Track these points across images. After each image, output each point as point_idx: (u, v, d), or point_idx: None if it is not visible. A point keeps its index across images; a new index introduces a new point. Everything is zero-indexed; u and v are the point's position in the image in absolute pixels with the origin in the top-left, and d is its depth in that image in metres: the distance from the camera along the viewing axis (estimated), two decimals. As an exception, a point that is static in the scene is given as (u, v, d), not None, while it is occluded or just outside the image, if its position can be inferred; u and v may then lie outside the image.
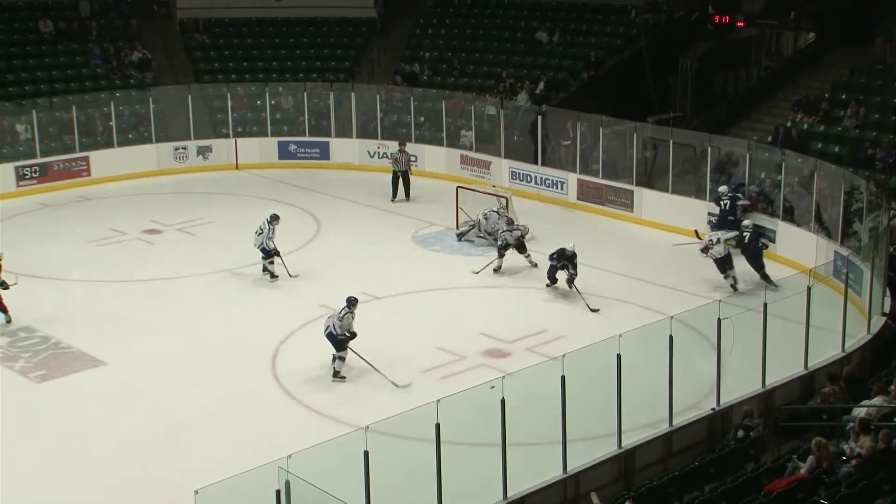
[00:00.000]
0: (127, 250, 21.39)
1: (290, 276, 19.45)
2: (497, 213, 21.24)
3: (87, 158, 26.37)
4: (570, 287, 18.50)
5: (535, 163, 25.19)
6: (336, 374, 15.51)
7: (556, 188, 24.79)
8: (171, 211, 23.88)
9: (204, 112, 28.56)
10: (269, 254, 19.27)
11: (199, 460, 13.06)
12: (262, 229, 19.27)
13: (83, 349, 16.44)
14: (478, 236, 21.47)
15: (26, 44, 29.55)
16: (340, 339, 15.44)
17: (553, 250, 18.74)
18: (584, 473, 12.26)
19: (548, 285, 18.93)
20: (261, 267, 19.42)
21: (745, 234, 19.12)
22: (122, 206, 24.64)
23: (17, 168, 25.42)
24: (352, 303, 15.61)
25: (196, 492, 9.50)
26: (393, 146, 25.79)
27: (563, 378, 11.84)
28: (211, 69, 30.96)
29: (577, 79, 29.00)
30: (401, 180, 24.76)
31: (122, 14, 31.43)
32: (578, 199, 24.37)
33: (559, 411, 11.96)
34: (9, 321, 17.41)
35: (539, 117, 25.40)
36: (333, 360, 15.53)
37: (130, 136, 27.47)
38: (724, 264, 18.57)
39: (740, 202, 20.55)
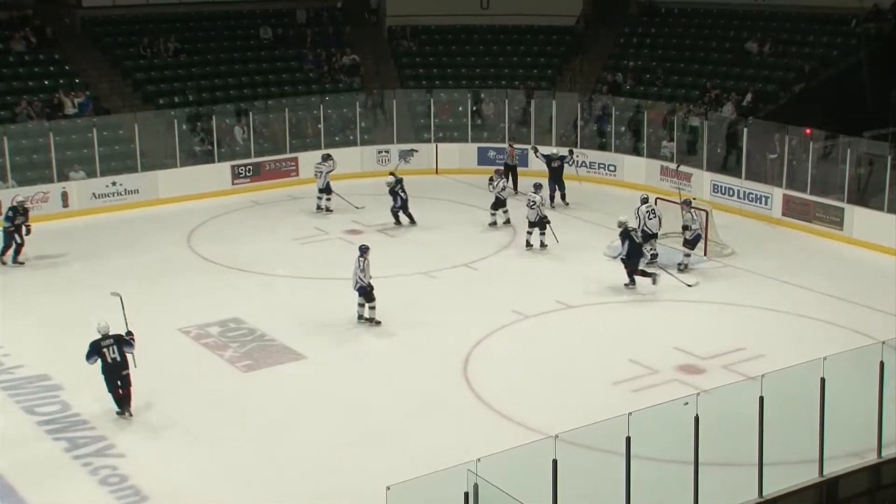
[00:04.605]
0: (329, 249, 22.12)
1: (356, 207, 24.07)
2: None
3: (295, 159, 27.51)
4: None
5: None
6: (372, 320, 17.50)
7: (760, 203, 23.97)
8: (372, 212, 24.54)
9: (407, 117, 29.27)
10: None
11: (389, 458, 13.33)
12: (320, 171, 23.79)
13: (285, 343, 17.11)
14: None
15: (247, 49, 31.03)
16: (370, 289, 17.41)
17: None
18: (782, 499, 11.74)
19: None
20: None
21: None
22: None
23: (233, 167, 26.79)
24: (364, 250, 17.54)
25: (388, 488, 9.72)
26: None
27: (761, 399, 11.41)
28: (416, 75, 31.66)
29: (787, 91, 27.91)
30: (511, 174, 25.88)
31: (336, 21, 32.63)
32: (783, 214, 23.50)
33: (756, 433, 11.54)
34: None
35: (744, 129, 24.66)
36: (364, 308, 17.57)
37: (337, 138, 28.48)
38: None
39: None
